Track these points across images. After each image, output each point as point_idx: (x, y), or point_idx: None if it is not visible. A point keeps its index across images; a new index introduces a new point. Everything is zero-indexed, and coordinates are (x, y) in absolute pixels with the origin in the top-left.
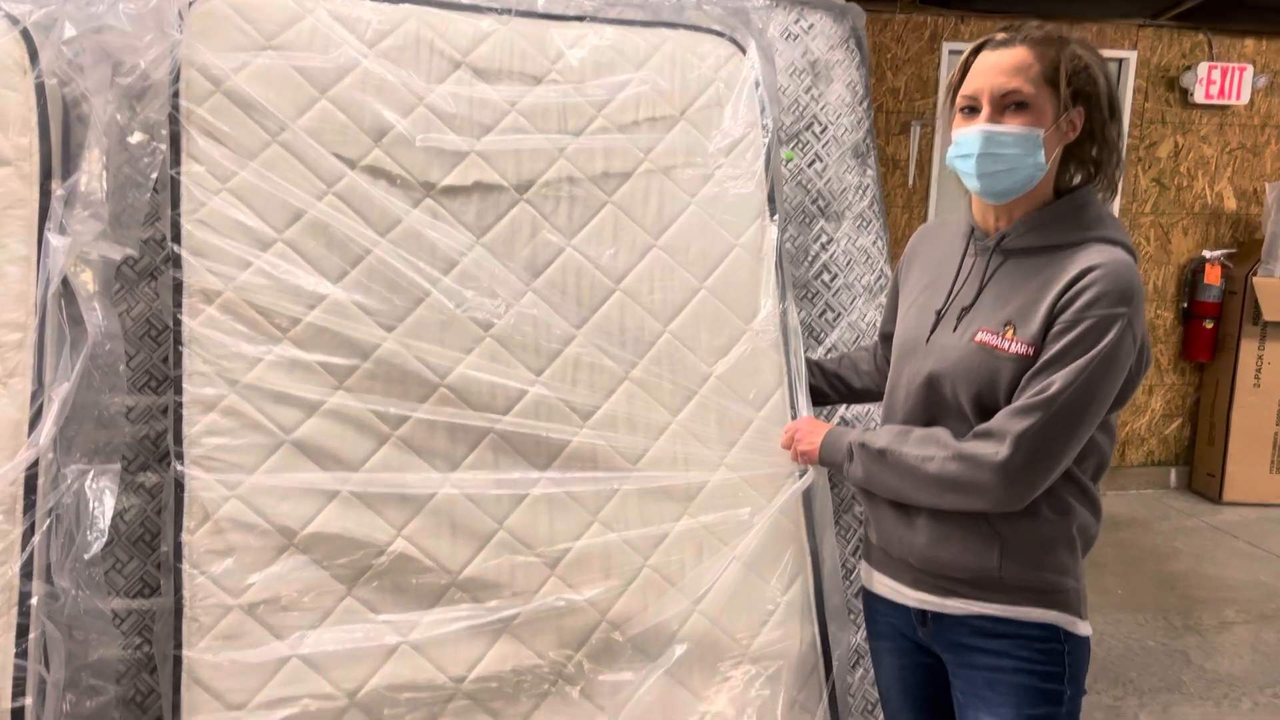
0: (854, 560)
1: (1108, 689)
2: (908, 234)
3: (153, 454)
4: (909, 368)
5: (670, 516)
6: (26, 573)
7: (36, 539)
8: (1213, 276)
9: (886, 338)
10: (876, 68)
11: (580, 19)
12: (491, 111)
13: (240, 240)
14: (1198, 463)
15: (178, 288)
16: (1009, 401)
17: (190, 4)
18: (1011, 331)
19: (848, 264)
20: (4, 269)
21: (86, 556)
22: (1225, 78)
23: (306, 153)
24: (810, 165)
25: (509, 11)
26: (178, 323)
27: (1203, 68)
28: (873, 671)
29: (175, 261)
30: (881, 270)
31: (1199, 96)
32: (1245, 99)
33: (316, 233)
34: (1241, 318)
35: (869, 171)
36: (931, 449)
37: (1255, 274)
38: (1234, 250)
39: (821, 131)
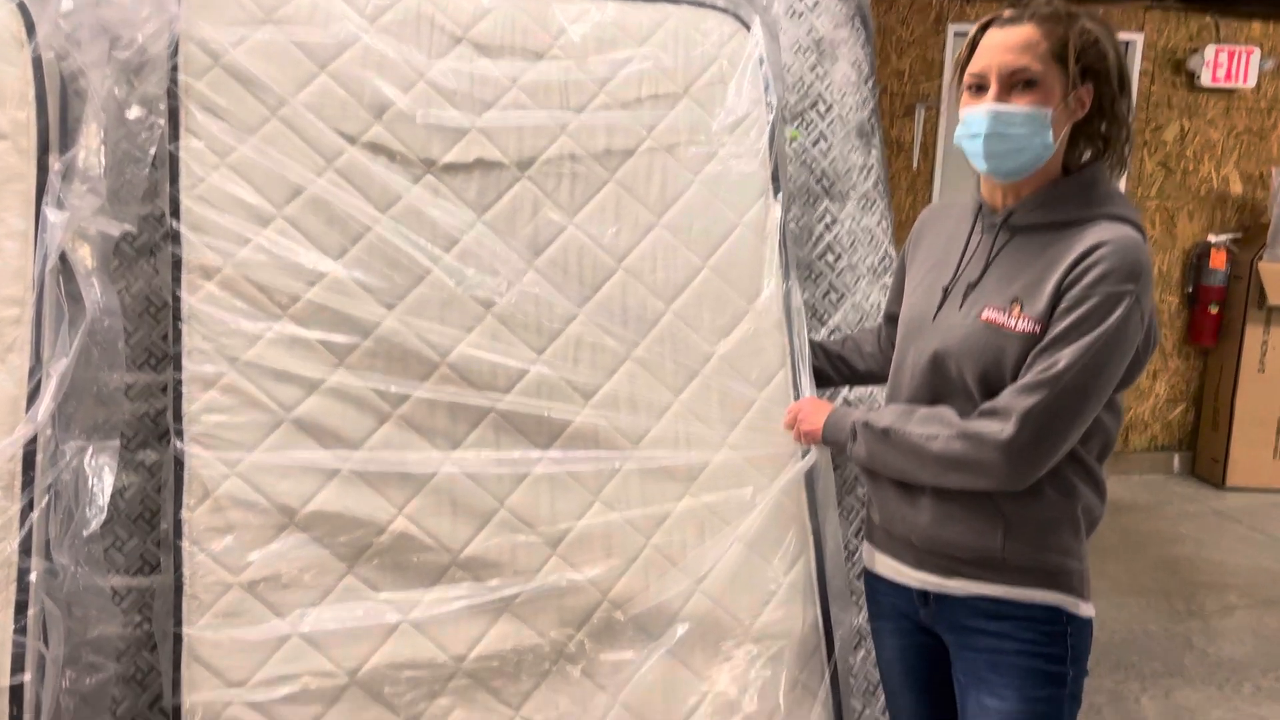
0: (856, 542)
1: (1110, 673)
2: (912, 218)
3: (152, 431)
4: (914, 346)
5: (672, 496)
6: (25, 549)
7: (35, 515)
8: (1218, 261)
9: (892, 319)
10: (881, 50)
11: None
12: (493, 88)
13: (240, 216)
14: (1201, 448)
15: (177, 264)
16: (1015, 380)
17: None
18: (1018, 309)
19: (852, 244)
20: (1, 244)
21: (85, 533)
22: (1232, 61)
23: (306, 128)
24: (814, 144)
25: None
26: (177, 299)
27: (1210, 50)
28: (874, 652)
29: (174, 238)
30: (886, 251)
31: (1206, 80)
32: (1252, 82)
33: (316, 209)
34: (1246, 303)
35: (874, 151)
36: (936, 428)
37: (1261, 259)
38: (1239, 235)
39: (826, 110)
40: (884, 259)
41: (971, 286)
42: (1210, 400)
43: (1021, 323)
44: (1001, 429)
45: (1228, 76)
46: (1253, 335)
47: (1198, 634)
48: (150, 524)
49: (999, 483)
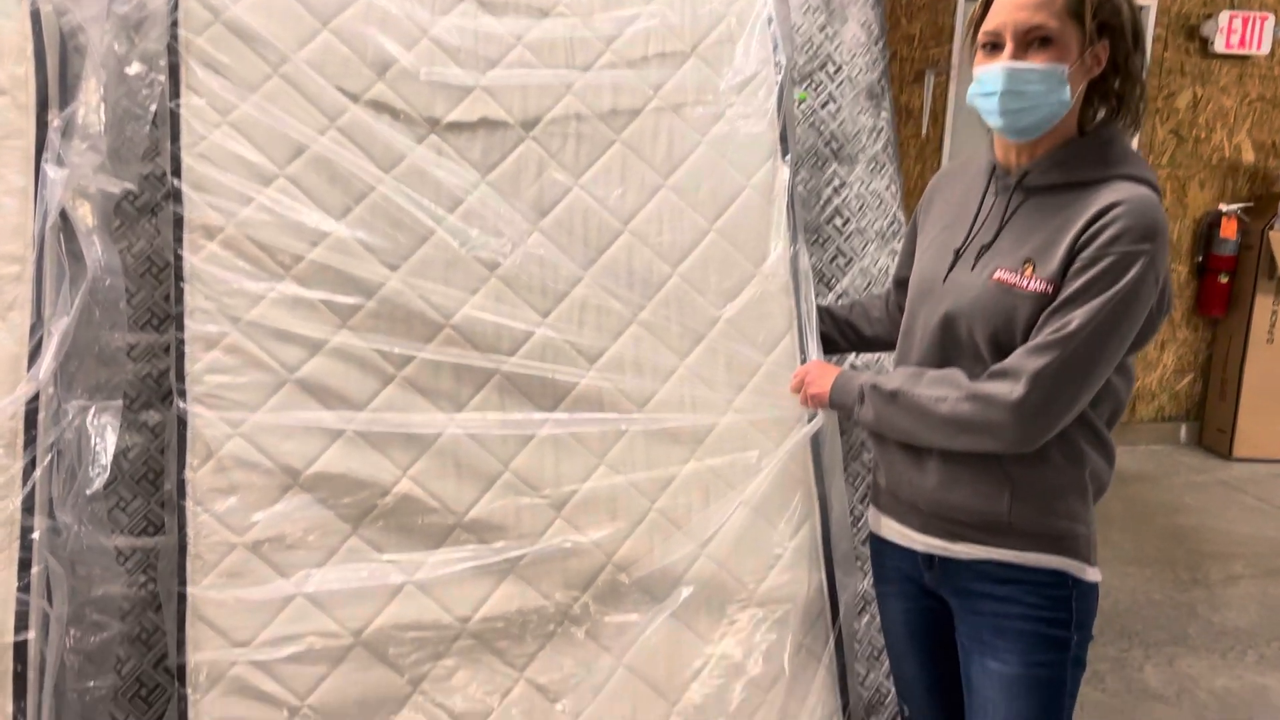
0: (862, 507)
1: (1114, 641)
2: (920, 185)
3: (155, 392)
4: (925, 308)
5: (677, 460)
6: (28, 507)
7: (38, 474)
8: (1229, 230)
9: (901, 283)
10: (891, 13)
11: None
12: (497, 45)
13: (241, 175)
14: (1208, 418)
15: (178, 223)
16: (1026, 341)
17: None
18: (1031, 269)
19: (860, 208)
20: (1, 201)
21: (88, 492)
22: (1246, 27)
23: (308, 86)
24: (823, 106)
25: None
26: (179, 259)
27: (1224, 16)
28: (879, 618)
29: (175, 196)
30: (895, 215)
31: (1219, 46)
32: (1266, 49)
33: (319, 168)
34: (1257, 272)
35: (883, 114)
36: (944, 390)
37: (1272, 228)
38: (1251, 204)
39: (835, 72)
40: (893, 223)
41: (984, 248)
42: (1218, 371)
43: (1033, 283)
44: (1011, 390)
45: (1241, 43)
46: (1262, 305)
47: (1202, 603)
48: (154, 485)
49: (1008, 444)
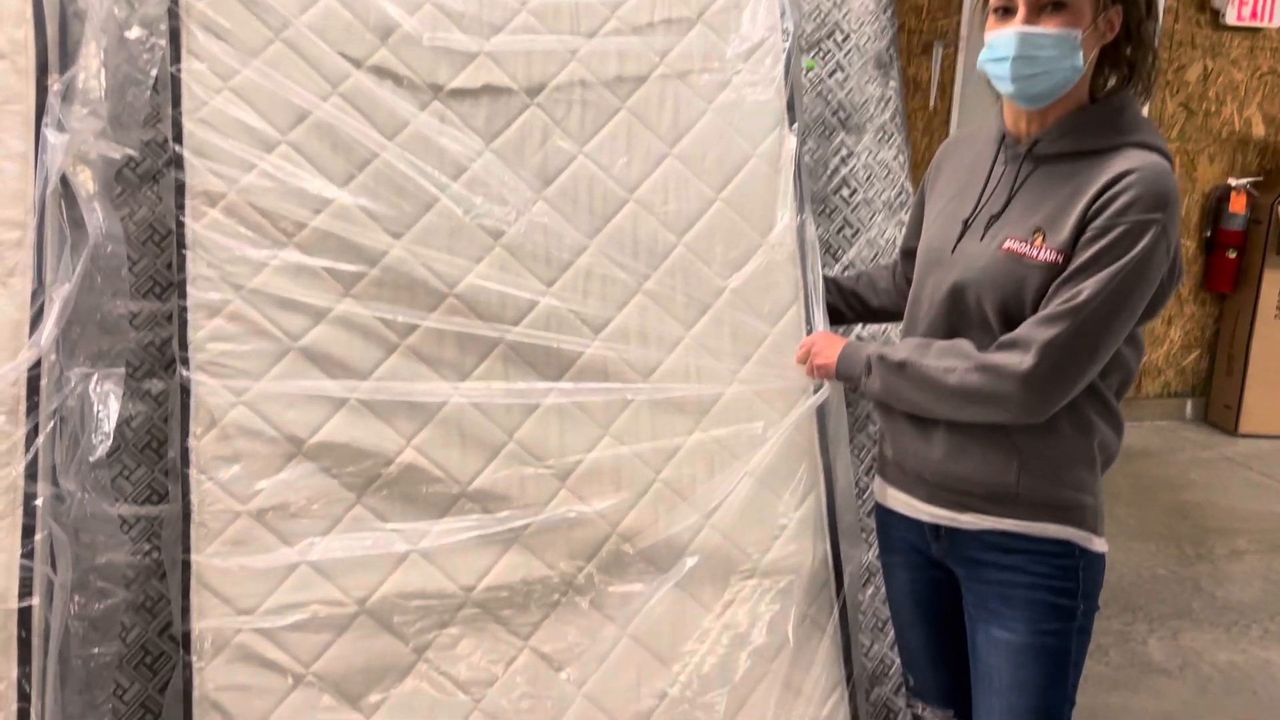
0: (867, 480)
1: (1117, 615)
2: (927, 159)
3: (158, 361)
4: (932, 279)
5: (682, 430)
6: (31, 474)
7: (40, 440)
8: (1237, 205)
9: (909, 254)
10: None
11: None
12: (501, 10)
13: (243, 141)
14: (1215, 394)
15: (180, 189)
16: (1035, 312)
17: None
18: (1041, 238)
19: (868, 179)
20: (1, 165)
21: (92, 459)
22: None
23: (310, 51)
24: (831, 75)
25: None
26: (180, 225)
27: None
28: (884, 589)
29: (177, 163)
30: (903, 186)
31: (1230, 18)
32: (1278, 21)
33: (322, 135)
34: (1266, 248)
35: (892, 83)
36: (953, 360)
37: None
38: (1260, 179)
39: (843, 40)
40: (900, 194)
41: (994, 218)
42: (1225, 346)
43: (1044, 252)
44: (1021, 361)
45: (1253, 15)
46: (1271, 281)
47: (1206, 578)
48: (158, 453)
49: (1017, 415)
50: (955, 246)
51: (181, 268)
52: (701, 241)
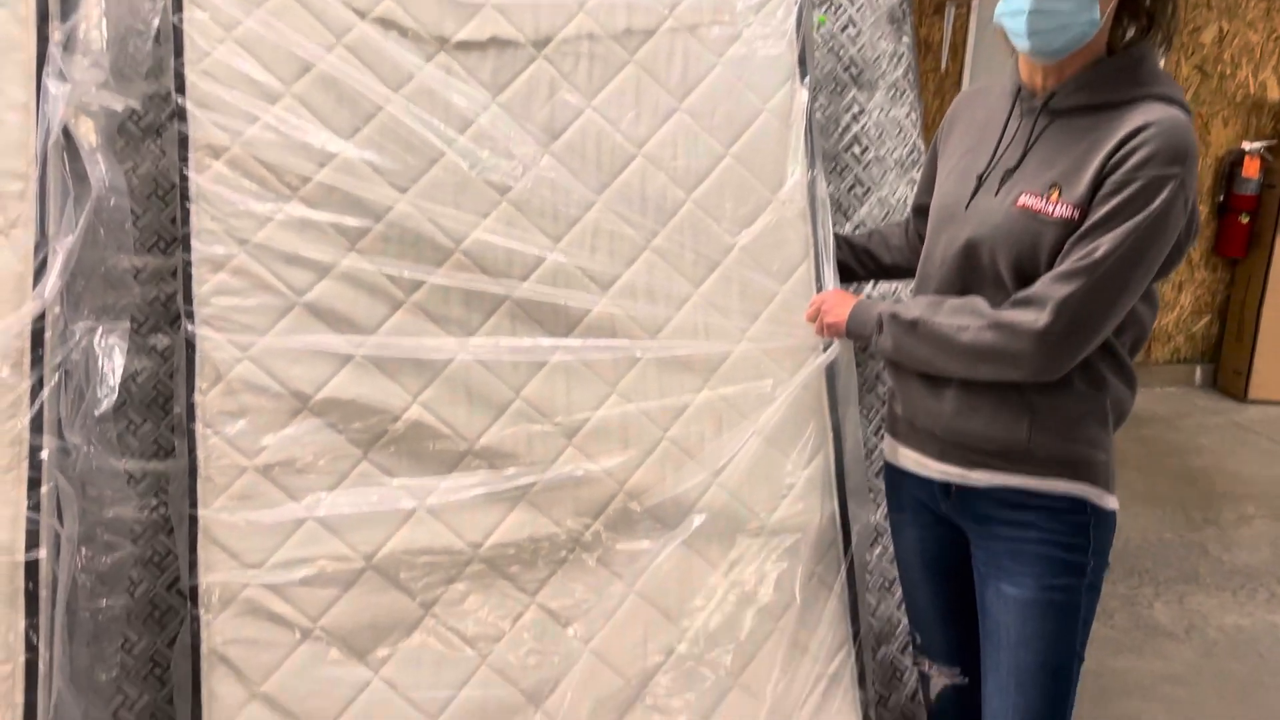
0: (876, 440)
1: (1123, 579)
2: (938, 120)
3: (163, 316)
4: (945, 235)
5: (690, 388)
6: (36, 426)
7: (45, 393)
8: (1251, 170)
9: (920, 211)
10: None
11: None
12: None
13: (247, 93)
14: (1225, 360)
15: (183, 142)
16: (1050, 268)
17: None
18: (1057, 194)
19: (879, 136)
20: (2, 115)
21: (97, 413)
22: None
23: (314, 1)
24: (843, 30)
25: None
26: (184, 178)
27: None
28: (891, 549)
29: (180, 115)
30: (914, 144)
31: None
32: None
33: (326, 87)
34: (1278, 213)
35: (905, 39)
36: (966, 318)
37: None
38: (1274, 143)
39: None
40: (912, 152)
41: (1009, 173)
42: (1236, 312)
43: (1059, 208)
44: (1036, 318)
45: None
46: None
47: (1214, 542)
48: (164, 409)
49: (1031, 373)
50: (969, 203)
51: (185, 222)
52: (711, 198)
